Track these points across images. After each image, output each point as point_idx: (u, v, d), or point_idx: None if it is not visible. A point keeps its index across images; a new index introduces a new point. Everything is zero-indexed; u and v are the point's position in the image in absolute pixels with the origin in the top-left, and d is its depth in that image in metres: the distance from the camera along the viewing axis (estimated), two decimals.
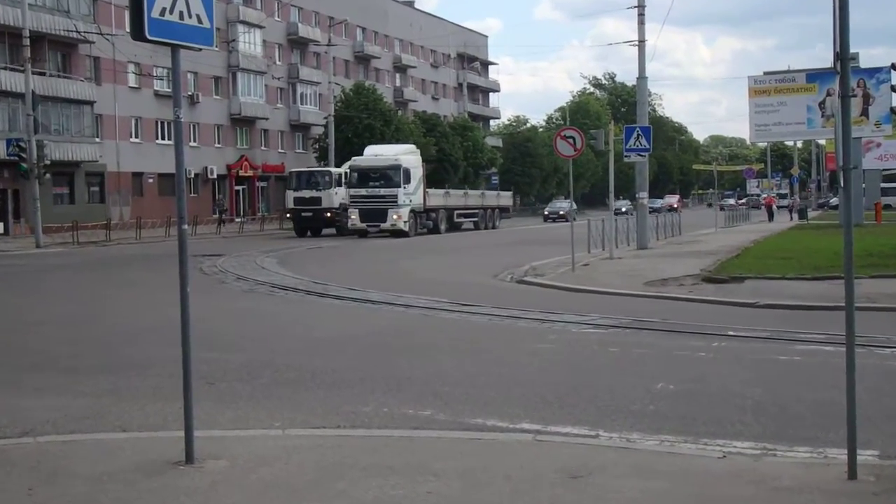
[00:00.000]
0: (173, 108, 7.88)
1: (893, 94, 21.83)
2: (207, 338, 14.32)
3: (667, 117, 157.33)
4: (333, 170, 58.14)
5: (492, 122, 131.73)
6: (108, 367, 12.92)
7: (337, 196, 55.28)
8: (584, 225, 35.11)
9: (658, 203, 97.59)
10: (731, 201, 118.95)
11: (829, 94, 46.47)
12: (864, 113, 47.31)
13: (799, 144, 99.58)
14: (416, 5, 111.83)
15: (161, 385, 11.34)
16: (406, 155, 55.20)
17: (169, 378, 11.26)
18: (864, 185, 56.03)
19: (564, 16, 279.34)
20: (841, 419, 7.64)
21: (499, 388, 11.23)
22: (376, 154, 54.38)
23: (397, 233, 52.32)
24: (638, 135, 33.55)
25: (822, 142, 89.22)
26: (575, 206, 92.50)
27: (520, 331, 16.40)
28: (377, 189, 52.19)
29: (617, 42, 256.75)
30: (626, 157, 35.29)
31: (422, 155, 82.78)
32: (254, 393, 11.05)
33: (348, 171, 54.72)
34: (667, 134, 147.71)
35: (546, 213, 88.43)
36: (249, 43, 78.70)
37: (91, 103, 62.97)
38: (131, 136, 68.73)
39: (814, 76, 49.21)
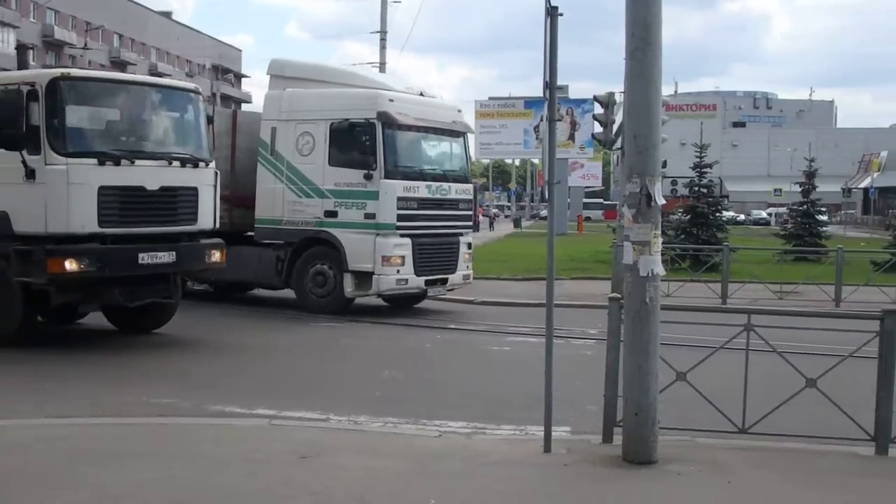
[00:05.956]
0: None
1: (595, 122, 27.00)
2: None
3: None
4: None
5: None
6: None
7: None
8: None
9: None
10: None
11: (542, 120, 58.42)
12: (571, 137, 63.79)
13: (517, 162, 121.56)
14: (174, 17, 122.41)
15: None
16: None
17: None
18: (569, 200, 71.05)
19: (311, 36, 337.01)
20: (542, 401, 9.53)
21: (237, 378, 13.70)
22: (418, 92, 23.51)
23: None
24: None
25: (535, 161, 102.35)
26: None
27: None
28: (445, 188, 22.32)
29: (360, 63, 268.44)
30: None
31: None
32: None
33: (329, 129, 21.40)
34: None
35: None
36: (3, 42, 78.69)
37: None
38: None
39: (530, 103, 66.93)
